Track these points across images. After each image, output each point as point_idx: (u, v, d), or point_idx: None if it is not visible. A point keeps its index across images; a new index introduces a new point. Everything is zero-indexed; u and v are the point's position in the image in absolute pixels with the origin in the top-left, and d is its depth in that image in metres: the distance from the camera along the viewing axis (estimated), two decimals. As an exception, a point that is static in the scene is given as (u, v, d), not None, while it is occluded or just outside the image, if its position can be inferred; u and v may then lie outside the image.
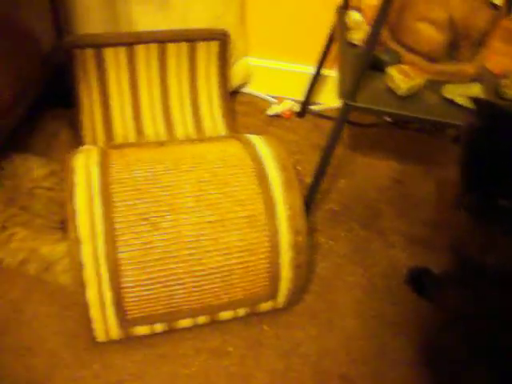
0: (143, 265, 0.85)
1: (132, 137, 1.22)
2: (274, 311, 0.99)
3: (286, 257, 0.91)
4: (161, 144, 1.01)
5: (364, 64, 0.92)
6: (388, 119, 1.40)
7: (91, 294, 0.82)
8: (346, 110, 0.96)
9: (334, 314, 1.01)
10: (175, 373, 0.90)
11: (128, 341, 0.93)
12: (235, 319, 0.97)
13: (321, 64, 1.31)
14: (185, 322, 0.92)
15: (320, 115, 1.40)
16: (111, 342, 0.93)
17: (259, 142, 0.99)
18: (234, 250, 0.89)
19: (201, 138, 1.19)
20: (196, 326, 0.95)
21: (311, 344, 0.96)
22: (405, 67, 1.01)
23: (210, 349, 0.94)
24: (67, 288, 0.99)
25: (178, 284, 0.87)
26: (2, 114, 1.00)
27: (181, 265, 0.87)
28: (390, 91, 0.99)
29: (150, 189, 0.88)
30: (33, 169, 1.01)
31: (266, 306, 0.96)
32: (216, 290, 0.90)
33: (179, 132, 1.24)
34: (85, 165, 0.90)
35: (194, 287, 0.88)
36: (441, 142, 1.39)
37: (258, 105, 1.41)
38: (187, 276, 0.87)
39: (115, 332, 0.88)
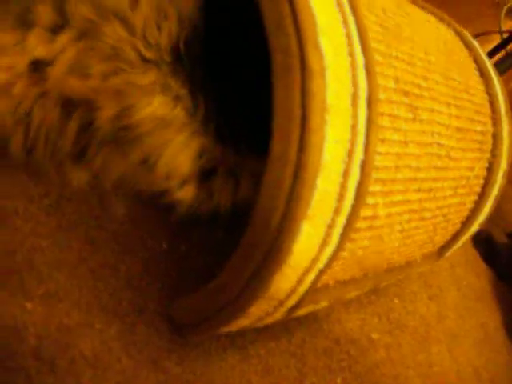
0: (389, 186, 0.41)
1: None
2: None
3: (490, 202, 0.60)
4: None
5: None
6: None
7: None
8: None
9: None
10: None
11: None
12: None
13: None
14: (352, 294, 0.52)
15: None
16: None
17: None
18: (461, 182, 0.53)
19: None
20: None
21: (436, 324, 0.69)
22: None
23: (349, 337, 0.56)
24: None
25: (399, 230, 0.47)
26: None
27: (421, 196, 0.46)
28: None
29: (400, 38, 0.44)
30: None
31: (421, 269, 0.63)
32: (420, 240, 0.53)
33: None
34: None
35: (406, 237, 0.49)
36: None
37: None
38: (415, 217, 0.47)
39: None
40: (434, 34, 0.52)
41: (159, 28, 0.39)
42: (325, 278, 0.42)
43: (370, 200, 0.39)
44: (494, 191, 0.59)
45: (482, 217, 0.60)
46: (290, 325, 0.49)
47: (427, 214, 0.49)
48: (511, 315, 0.80)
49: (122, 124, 0.38)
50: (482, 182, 0.57)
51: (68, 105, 0.38)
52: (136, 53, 0.39)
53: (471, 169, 0.54)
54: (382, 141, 0.39)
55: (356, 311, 0.59)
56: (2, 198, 0.40)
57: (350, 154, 0.35)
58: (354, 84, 0.34)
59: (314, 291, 0.43)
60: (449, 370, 0.65)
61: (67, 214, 0.43)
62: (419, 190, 0.46)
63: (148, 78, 0.39)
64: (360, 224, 0.40)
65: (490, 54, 1.08)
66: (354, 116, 0.34)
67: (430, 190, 0.47)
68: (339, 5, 0.36)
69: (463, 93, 0.52)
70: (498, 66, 0.94)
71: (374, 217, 0.41)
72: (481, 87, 0.57)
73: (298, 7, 0.33)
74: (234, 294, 0.38)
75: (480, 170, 0.56)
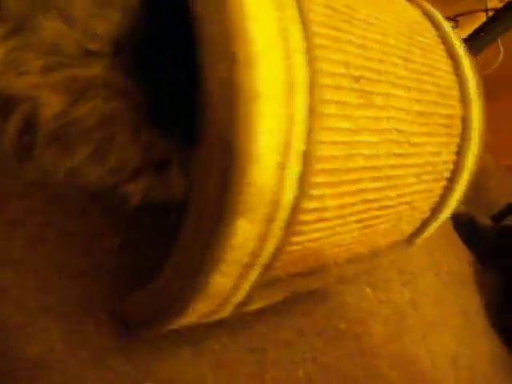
0: (338, 176, 0.40)
1: None
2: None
3: (461, 188, 0.58)
4: None
5: None
6: None
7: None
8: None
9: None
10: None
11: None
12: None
13: None
14: (314, 286, 0.51)
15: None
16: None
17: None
18: (425, 168, 0.51)
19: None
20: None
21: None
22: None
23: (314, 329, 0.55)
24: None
25: (355, 221, 0.45)
26: None
27: (379, 184, 0.45)
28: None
29: (352, 20, 0.42)
30: None
31: (391, 257, 0.62)
32: (383, 229, 0.51)
33: None
34: None
35: (365, 227, 0.48)
36: None
37: None
38: (374, 206, 0.46)
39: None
40: (396, 15, 0.50)
41: (102, 18, 0.38)
42: (275, 273, 0.41)
43: (315, 192, 0.38)
44: (465, 176, 0.57)
45: (452, 203, 0.58)
46: (248, 319, 0.49)
47: (388, 203, 0.48)
48: (492, 298, 0.79)
49: (66, 120, 0.37)
50: (451, 167, 0.55)
51: (4, 104, 0.37)
52: (77, 46, 0.37)
53: (438, 154, 0.52)
54: (329, 129, 0.38)
55: (323, 301, 0.58)
56: None
57: (287, 144, 0.33)
58: (289, 71, 0.33)
59: (263, 286, 0.42)
60: (424, 359, 0.64)
61: (13, 211, 0.42)
62: (376, 179, 0.44)
63: (90, 71, 0.37)
64: (307, 217, 0.38)
65: (477, 33, 1.06)
66: (289, 105, 0.33)
67: (389, 177, 0.46)
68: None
69: (426, 75, 0.50)
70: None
71: (323, 209, 0.40)
72: (449, 69, 0.55)
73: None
74: (177, 292, 0.37)
75: (448, 154, 0.54)
